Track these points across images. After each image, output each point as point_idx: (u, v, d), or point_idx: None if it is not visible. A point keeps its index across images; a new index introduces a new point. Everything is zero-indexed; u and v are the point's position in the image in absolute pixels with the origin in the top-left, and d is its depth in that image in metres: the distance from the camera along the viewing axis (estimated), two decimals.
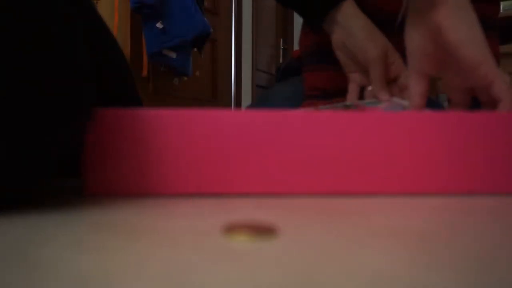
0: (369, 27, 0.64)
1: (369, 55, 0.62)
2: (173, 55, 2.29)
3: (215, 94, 2.91)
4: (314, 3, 0.67)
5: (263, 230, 0.22)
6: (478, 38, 0.42)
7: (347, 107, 0.61)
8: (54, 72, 0.25)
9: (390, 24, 0.74)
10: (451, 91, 0.48)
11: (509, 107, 0.41)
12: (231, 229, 0.22)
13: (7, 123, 0.24)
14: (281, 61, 3.69)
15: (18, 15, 0.24)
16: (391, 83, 0.64)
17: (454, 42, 0.43)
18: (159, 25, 2.20)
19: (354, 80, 0.69)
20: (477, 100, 0.46)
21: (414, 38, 0.47)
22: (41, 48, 0.25)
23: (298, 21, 3.76)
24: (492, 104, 0.43)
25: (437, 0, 0.45)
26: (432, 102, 0.69)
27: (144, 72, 2.32)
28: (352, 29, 0.64)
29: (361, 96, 0.68)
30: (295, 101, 0.79)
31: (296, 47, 3.69)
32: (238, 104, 3.17)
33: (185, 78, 2.57)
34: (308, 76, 0.78)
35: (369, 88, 0.64)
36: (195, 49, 2.45)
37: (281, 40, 3.73)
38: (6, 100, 0.23)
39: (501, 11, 2.21)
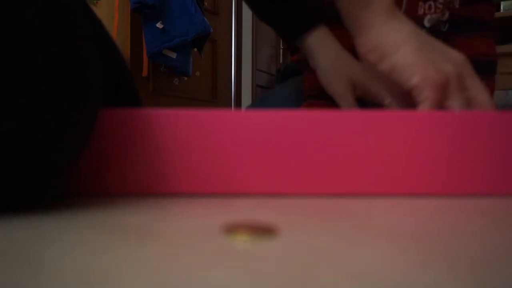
0: (335, 56, 0.59)
1: (333, 89, 0.59)
2: (173, 55, 2.29)
3: (215, 94, 2.91)
4: (287, 25, 0.63)
5: (263, 230, 0.22)
6: (404, 58, 0.42)
7: None
8: (63, 74, 0.25)
9: None
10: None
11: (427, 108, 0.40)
12: (231, 229, 0.22)
13: (20, 126, 0.24)
14: (281, 61, 3.68)
15: (28, 22, 0.24)
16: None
17: (383, 72, 0.43)
18: (159, 25, 2.20)
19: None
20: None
21: (365, 67, 0.48)
22: (54, 55, 0.25)
23: None
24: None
25: (358, 28, 0.44)
26: None
27: (144, 72, 2.32)
28: (318, 58, 0.60)
29: None
30: (295, 102, 0.79)
31: None
32: (238, 104, 3.17)
33: (185, 78, 2.57)
34: (308, 76, 0.78)
35: (386, 101, 0.60)
36: (195, 49, 2.45)
37: (281, 40, 3.73)
38: (23, 106, 0.24)
39: (501, 11, 2.22)
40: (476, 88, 0.41)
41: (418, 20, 0.79)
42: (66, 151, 0.27)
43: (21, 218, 0.25)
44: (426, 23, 0.80)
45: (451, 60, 0.42)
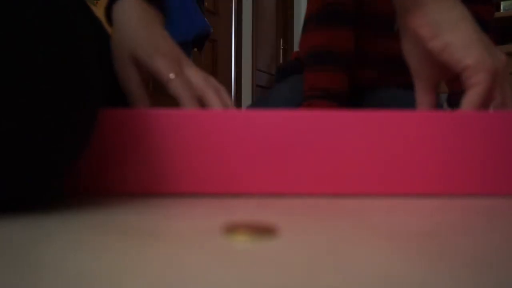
0: (127, 28, 0.45)
1: (115, 66, 0.45)
2: None
3: None
4: None
5: (263, 230, 0.22)
6: (460, 38, 0.40)
7: None
8: (63, 75, 0.25)
9: (390, 26, 0.72)
10: (423, 89, 0.45)
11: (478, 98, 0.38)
12: (231, 229, 0.22)
13: (20, 126, 0.24)
14: (281, 61, 3.69)
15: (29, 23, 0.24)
16: None
17: (433, 50, 0.41)
18: None
19: None
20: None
21: (405, 47, 0.45)
22: (55, 57, 0.25)
23: (298, 21, 3.76)
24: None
25: (411, 4, 0.42)
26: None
27: None
28: (114, 30, 0.46)
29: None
30: (295, 101, 0.79)
31: (296, 47, 3.69)
32: (238, 104, 3.17)
33: None
34: (308, 76, 0.78)
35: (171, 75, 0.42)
36: (195, 49, 2.45)
37: (281, 40, 3.73)
38: (24, 106, 0.24)
39: (501, 11, 2.22)
40: (507, 92, 0.40)
41: None
42: (66, 151, 0.27)
43: (21, 218, 0.25)
44: None
45: (497, 56, 0.40)
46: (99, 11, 0.56)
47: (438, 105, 0.78)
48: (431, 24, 0.41)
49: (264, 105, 0.81)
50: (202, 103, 0.42)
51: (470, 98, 0.38)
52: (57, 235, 0.21)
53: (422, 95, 0.46)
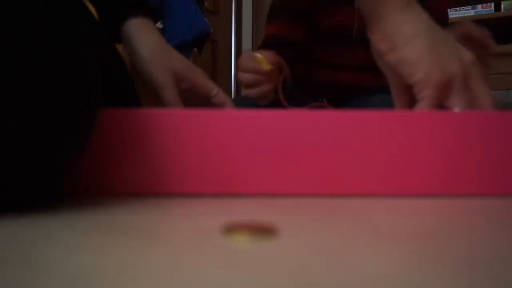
0: (155, 46, 0.55)
1: (154, 79, 0.53)
2: None
3: None
4: (112, 9, 0.56)
5: (263, 230, 0.22)
6: (411, 53, 0.41)
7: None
8: (63, 75, 0.25)
9: (349, 38, 0.79)
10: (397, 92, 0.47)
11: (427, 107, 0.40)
12: (231, 229, 0.22)
13: (20, 126, 0.24)
14: None
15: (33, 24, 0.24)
16: None
17: (389, 63, 0.43)
18: (158, 25, 2.20)
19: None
20: None
21: (374, 54, 0.47)
22: (55, 57, 0.25)
23: None
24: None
25: (373, 17, 0.44)
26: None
27: None
28: (136, 46, 0.54)
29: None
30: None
31: None
32: None
33: None
34: (267, 26, 0.85)
35: (213, 92, 0.58)
36: (195, 49, 2.45)
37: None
38: (23, 106, 0.24)
39: (502, 10, 2.22)
40: (480, 90, 0.41)
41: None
42: (66, 151, 0.27)
43: (21, 218, 0.25)
44: None
45: (459, 58, 0.41)
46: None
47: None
48: (388, 39, 0.43)
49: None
50: None
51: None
52: (57, 235, 0.21)
53: (396, 97, 0.47)
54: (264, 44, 0.84)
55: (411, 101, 0.45)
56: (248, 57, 0.70)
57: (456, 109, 0.40)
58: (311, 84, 0.88)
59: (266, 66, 0.68)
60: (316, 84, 0.87)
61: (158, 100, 0.53)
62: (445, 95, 0.40)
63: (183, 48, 2.31)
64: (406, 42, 0.42)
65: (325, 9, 0.81)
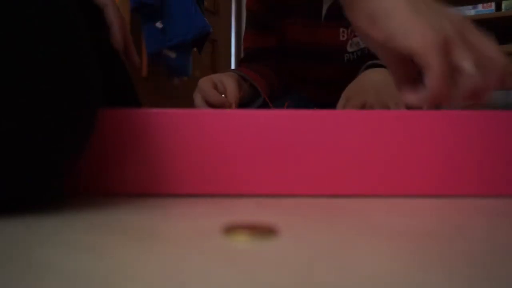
0: None
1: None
2: (173, 55, 2.29)
3: None
4: None
5: (263, 230, 0.22)
6: (397, 23, 0.39)
7: None
8: (64, 76, 0.25)
9: (307, 54, 0.88)
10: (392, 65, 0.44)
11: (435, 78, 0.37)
12: (231, 229, 0.22)
13: (20, 126, 0.24)
14: None
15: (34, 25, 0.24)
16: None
17: (377, 40, 0.40)
18: (158, 25, 2.20)
19: None
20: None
21: (359, 36, 0.44)
22: (56, 58, 0.25)
23: None
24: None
25: (347, 1, 0.42)
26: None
27: (144, 72, 2.32)
28: None
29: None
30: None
31: None
32: None
33: (185, 78, 2.57)
34: (243, 38, 0.99)
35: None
36: (195, 49, 2.45)
37: None
38: (24, 107, 0.24)
39: (502, 10, 2.22)
40: (480, 39, 0.38)
41: (340, 47, 0.87)
42: (66, 151, 0.27)
43: (21, 218, 0.25)
44: (349, 48, 0.87)
45: (448, 17, 0.39)
46: None
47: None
48: (369, 16, 0.41)
49: None
50: None
51: (432, 83, 0.38)
52: (57, 235, 0.21)
53: (393, 72, 0.44)
54: (245, 58, 0.97)
55: (409, 72, 0.43)
56: (213, 92, 0.78)
57: (465, 63, 0.38)
58: (307, 83, 0.90)
59: (230, 106, 0.75)
60: (311, 83, 0.90)
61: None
62: (448, 55, 0.38)
63: (183, 47, 2.32)
64: (388, 14, 0.40)
65: (282, 21, 0.91)
